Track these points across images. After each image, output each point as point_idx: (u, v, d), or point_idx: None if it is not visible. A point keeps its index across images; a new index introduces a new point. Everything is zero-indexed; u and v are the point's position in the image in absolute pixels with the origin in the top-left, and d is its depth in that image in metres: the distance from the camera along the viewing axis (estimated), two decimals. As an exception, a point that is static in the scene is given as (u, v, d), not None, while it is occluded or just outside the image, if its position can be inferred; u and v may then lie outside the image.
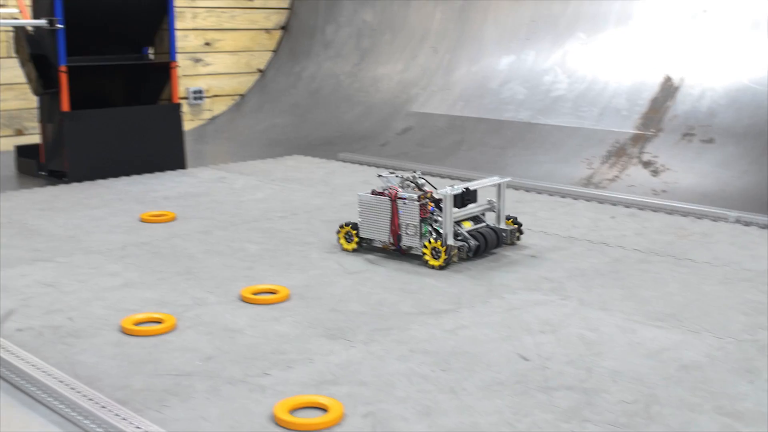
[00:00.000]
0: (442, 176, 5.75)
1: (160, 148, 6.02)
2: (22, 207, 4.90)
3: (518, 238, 4.09)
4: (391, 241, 3.86)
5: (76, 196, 5.22)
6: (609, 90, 6.25)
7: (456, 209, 3.83)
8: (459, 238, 3.80)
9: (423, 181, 3.97)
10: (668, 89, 5.94)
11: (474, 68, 7.21)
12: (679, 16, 6.19)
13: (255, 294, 3.31)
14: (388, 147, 6.86)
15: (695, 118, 5.70)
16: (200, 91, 8.17)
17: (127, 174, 5.84)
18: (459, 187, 3.86)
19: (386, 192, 3.87)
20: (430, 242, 3.68)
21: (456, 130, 6.75)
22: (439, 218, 3.78)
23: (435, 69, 7.50)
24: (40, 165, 5.95)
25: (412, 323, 3.05)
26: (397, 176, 3.96)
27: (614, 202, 4.98)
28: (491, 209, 4.04)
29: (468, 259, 3.80)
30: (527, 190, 5.33)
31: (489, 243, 3.85)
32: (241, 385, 2.54)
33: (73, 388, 2.41)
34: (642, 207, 4.86)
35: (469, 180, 5.56)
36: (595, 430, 2.26)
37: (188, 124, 7.92)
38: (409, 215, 3.79)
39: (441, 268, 3.66)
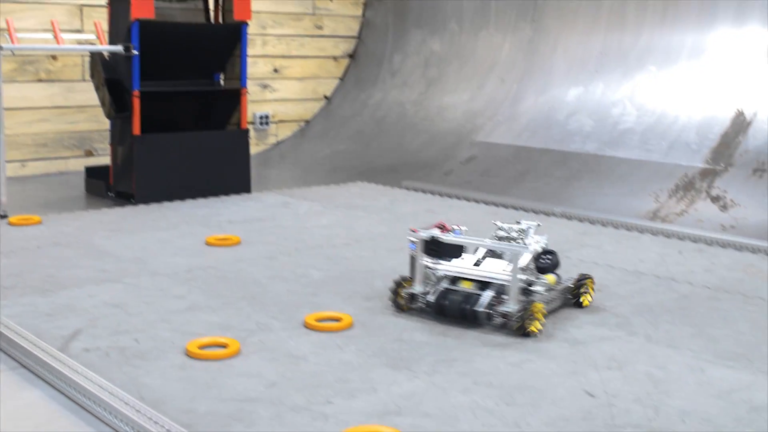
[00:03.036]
0: (506, 206, 5.72)
1: (226, 173, 6.09)
2: (90, 228, 4.98)
3: (520, 329, 3.22)
4: None
5: (143, 218, 5.30)
6: (679, 124, 6.18)
7: (461, 264, 3.48)
8: (431, 290, 3.44)
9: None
10: (740, 124, 5.84)
11: (541, 99, 7.18)
12: (754, 50, 6.10)
13: (319, 321, 3.32)
14: (452, 176, 6.85)
15: (767, 153, 5.60)
16: (266, 117, 8.26)
17: (194, 197, 5.91)
18: (433, 234, 3.49)
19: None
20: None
21: (521, 161, 6.72)
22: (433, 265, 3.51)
23: (502, 99, 7.49)
24: (108, 186, 6.05)
25: (476, 355, 3.02)
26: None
27: (682, 237, 4.90)
28: (502, 286, 3.37)
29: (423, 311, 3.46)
30: (592, 223, 5.28)
31: (447, 311, 3.36)
32: (304, 412, 2.53)
33: (138, 411, 2.42)
34: (710, 242, 4.77)
35: (533, 212, 5.54)
36: (663, 472, 2.21)
37: (253, 149, 7.99)
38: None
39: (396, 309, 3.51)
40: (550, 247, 3.50)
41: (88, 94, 7.03)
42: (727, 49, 6.27)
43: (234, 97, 6.16)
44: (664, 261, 4.39)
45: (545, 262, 3.44)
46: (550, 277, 3.47)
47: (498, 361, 2.97)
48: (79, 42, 6.93)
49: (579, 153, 6.47)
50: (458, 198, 6.06)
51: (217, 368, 2.88)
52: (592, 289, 3.63)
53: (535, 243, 3.52)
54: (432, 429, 2.43)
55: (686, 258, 4.47)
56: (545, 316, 3.30)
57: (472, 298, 3.33)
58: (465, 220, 5.28)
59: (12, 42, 5.35)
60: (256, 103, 8.18)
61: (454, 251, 3.48)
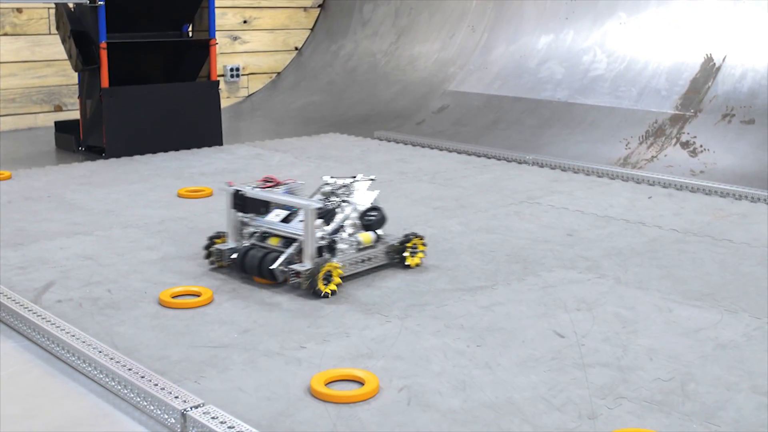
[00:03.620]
0: (478, 155, 5.74)
1: (197, 125, 6.06)
2: (61, 182, 4.95)
3: (310, 288, 3.06)
4: None
5: (114, 171, 5.27)
6: (648, 70, 6.19)
7: (270, 220, 3.33)
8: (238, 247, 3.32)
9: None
10: (709, 69, 5.87)
11: (512, 47, 7.17)
12: (721, -5, 6.12)
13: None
14: (424, 125, 6.85)
15: (736, 98, 5.64)
16: (237, 69, 8.20)
17: (165, 150, 5.88)
18: (237, 188, 3.39)
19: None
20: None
21: (493, 109, 6.73)
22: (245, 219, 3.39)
23: (472, 48, 7.47)
24: (78, 140, 6.00)
25: (448, 299, 3.05)
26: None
27: (652, 183, 4.94)
28: (297, 237, 3.19)
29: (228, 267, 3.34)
30: (563, 170, 5.31)
31: (247, 269, 3.23)
32: (277, 357, 2.56)
33: (112, 358, 2.43)
34: (680, 187, 4.82)
35: (505, 160, 5.56)
36: (630, 407, 2.25)
37: (225, 102, 7.95)
38: None
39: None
40: (379, 204, 3.43)
41: (55, 47, 6.96)
42: (697, -6, 6.28)
43: (203, 49, 6.11)
44: (634, 206, 4.43)
45: (370, 219, 3.37)
46: (364, 236, 3.33)
47: (469, 304, 3.00)
48: (45, -6, 6.84)
49: (550, 101, 6.48)
50: (430, 147, 6.07)
51: (190, 316, 2.89)
52: (422, 248, 3.42)
53: (363, 199, 3.41)
54: (404, 370, 2.46)
55: (656, 203, 4.51)
56: (344, 276, 3.16)
57: (270, 256, 3.18)
58: (437, 170, 5.32)
59: (-25, -5, 5.27)
60: (226, 56, 8.11)
61: (258, 206, 3.36)
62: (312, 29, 8.84)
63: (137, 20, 5.92)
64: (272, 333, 2.74)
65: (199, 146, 6.04)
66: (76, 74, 6.13)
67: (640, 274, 3.35)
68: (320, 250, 3.17)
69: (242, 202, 3.36)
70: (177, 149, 5.93)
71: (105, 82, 5.60)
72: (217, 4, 6.89)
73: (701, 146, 5.47)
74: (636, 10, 6.56)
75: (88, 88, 5.83)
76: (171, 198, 4.58)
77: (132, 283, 3.23)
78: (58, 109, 7.14)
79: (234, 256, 3.27)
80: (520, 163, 5.52)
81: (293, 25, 8.69)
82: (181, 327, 2.80)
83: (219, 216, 4.17)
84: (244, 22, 8.28)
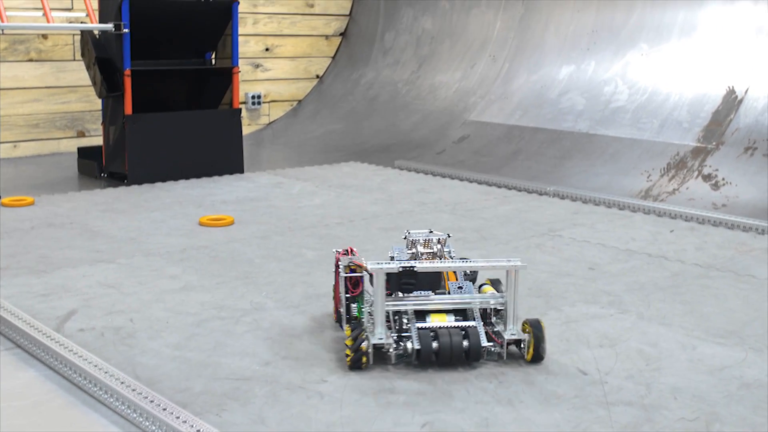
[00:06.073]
0: (498, 186, 5.74)
1: (219, 153, 6.09)
2: (83, 208, 4.98)
3: (536, 355, 2.76)
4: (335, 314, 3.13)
5: (136, 198, 5.30)
6: (670, 102, 6.19)
7: (424, 295, 2.89)
8: (400, 333, 2.79)
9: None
10: (731, 102, 5.86)
11: (533, 77, 7.18)
12: (744, 28, 6.11)
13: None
14: (444, 155, 6.86)
15: (758, 131, 5.61)
16: (259, 96, 8.25)
17: (186, 177, 5.91)
18: (401, 262, 2.82)
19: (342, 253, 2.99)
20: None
21: (513, 140, 6.73)
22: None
23: (493, 78, 7.48)
24: (101, 167, 6.04)
25: (470, 333, 3.04)
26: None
27: (673, 216, 4.92)
28: (496, 306, 2.90)
29: (411, 364, 2.75)
30: (584, 202, 5.29)
31: (445, 354, 2.70)
32: (299, 391, 2.55)
33: (134, 390, 2.43)
34: (702, 221, 4.80)
35: (526, 192, 5.55)
36: (655, 448, 2.23)
37: (246, 129, 7.98)
38: (344, 288, 2.93)
39: (351, 368, 2.71)
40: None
41: (79, 73, 7.02)
42: (718, 26, 6.27)
43: (226, 76, 6.15)
44: (656, 239, 4.42)
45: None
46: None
47: (491, 339, 2.99)
48: (70, 20, 6.90)
49: (571, 132, 6.48)
50: (451, 177, 6.07)
51: (212, 348, 2.89)
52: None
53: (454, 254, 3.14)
54: (426, 406, 2.45)
55: (678, 236, 4.49)
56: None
57: (473, 333, 2.76)
58: (458, 200, 5.32)
59: (2, 20, 5.32)
60: (248, 83, 8.16)
61: (434, 282, 2.92)
62: (333, 57, 8.89)
63: (161, 48, 5.97)
64: (294, 366, 2.73)
65: (220, 174, 6.07)
66: (99, 101, 6.18)
67: (663, 309, 3.33)
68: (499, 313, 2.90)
69: (414, 280, 2.85)
70: (198, 176, 5.96)
71: (128, 108, 5.64)
72: (240, 32, 6.94)
73: (723, 179, 5.45)
74: (658, 42, 6.57)
75: (111, 114, 5.88)
76: (192, 226, 4.59)
77: (154, 312, 3.23)
78: (81, 135, 7.20)
79: (411, 345, 2.72)
80: (540, 194, 5.51)
81: (315, 53, 8.74)
82: (203, 358, 2.80)
83: (241, 245, 4.19)
84: (267, 50, 8.33)
